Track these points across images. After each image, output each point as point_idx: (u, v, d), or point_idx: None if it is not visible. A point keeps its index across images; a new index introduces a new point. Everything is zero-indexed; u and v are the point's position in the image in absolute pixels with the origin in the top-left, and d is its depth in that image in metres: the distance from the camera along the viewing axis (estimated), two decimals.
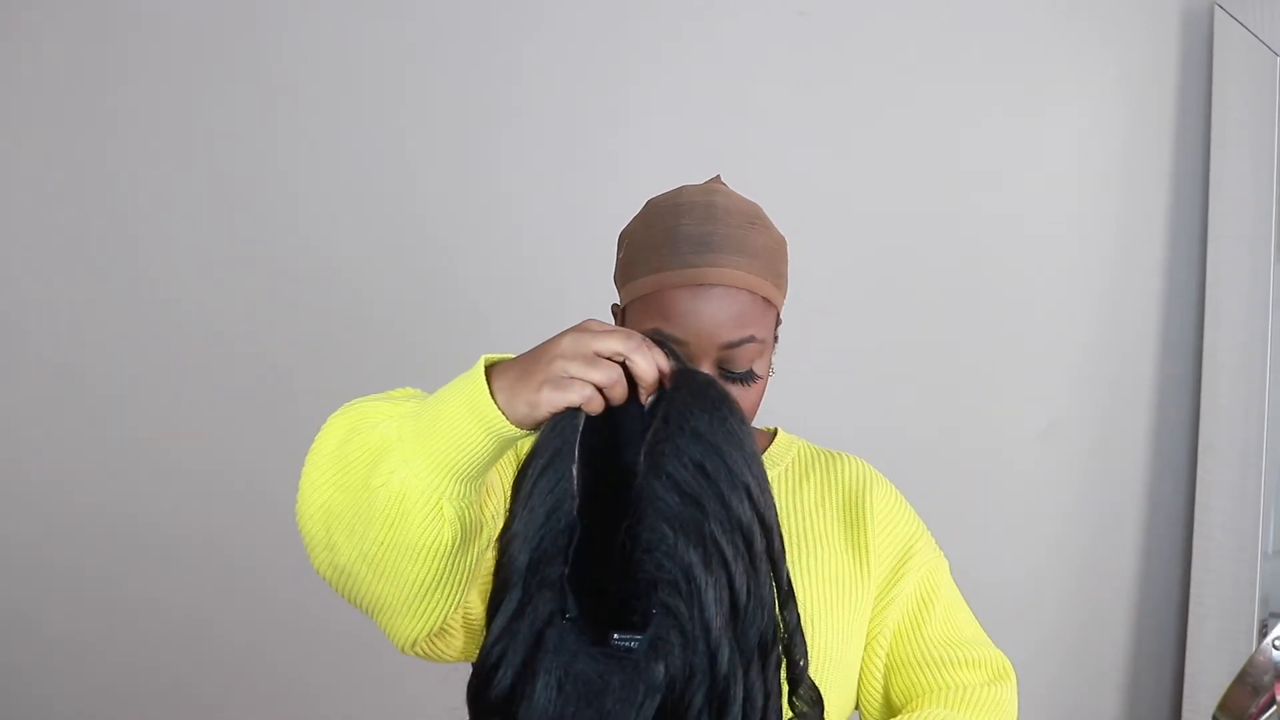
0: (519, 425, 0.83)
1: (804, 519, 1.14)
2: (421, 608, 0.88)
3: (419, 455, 0.84)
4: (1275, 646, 1.00)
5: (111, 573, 1.90)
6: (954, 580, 1.19)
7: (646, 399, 0.84)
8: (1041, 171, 2.06)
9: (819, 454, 1.20)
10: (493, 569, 0.83)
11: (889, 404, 2.00)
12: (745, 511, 0.80)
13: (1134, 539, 2.08)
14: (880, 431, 1.88)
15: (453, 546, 0.86)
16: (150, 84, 1.89)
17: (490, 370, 0.85)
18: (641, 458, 0.80)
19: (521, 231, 1.93)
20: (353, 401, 0.91)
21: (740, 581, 0.78)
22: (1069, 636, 2.08)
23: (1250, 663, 1.00)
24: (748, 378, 1.04)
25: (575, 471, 0.80)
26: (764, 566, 0.80)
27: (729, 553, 0.78)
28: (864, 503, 1.15)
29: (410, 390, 0.95)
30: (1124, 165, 2.07)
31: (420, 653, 0.95)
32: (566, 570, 0.79)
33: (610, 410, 0.84)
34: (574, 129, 1.94)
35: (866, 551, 1.13)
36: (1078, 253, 2.07)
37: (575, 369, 0.82)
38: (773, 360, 1.10)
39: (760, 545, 0.80)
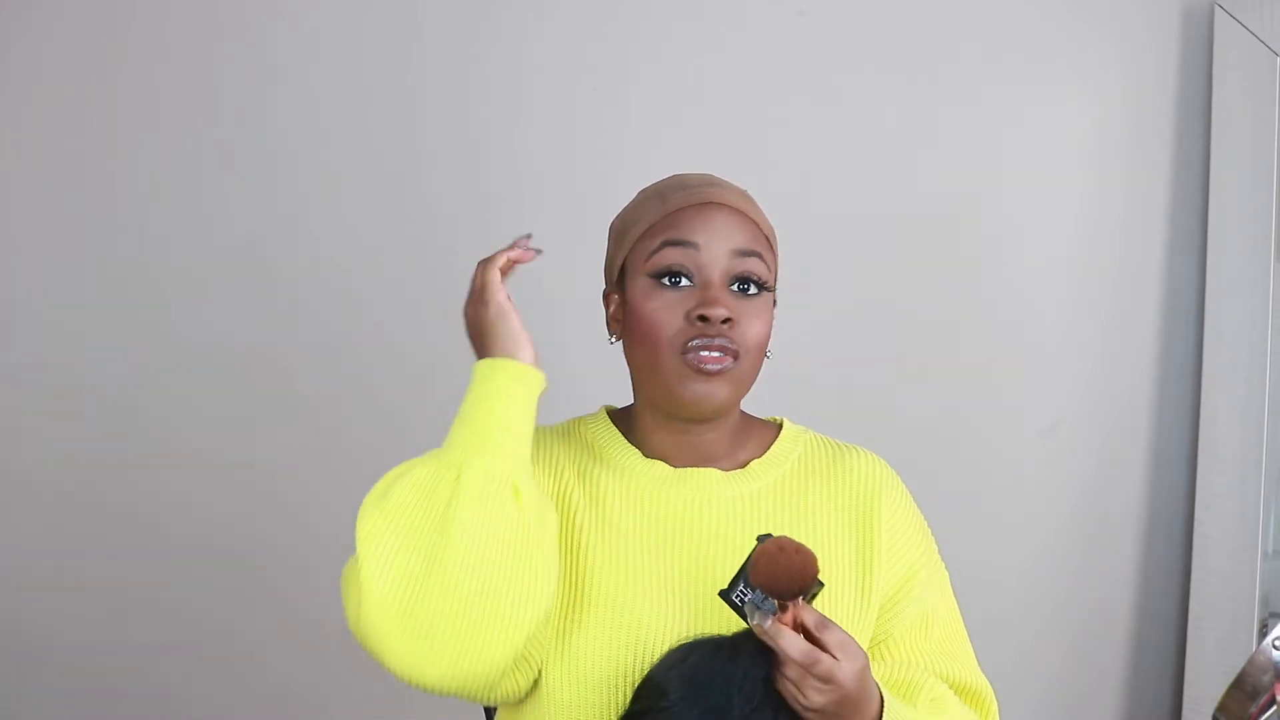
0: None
1: (810, 525, 1.09)
2: (515, 612, 0.93)
3: (473, 446, 0.96)
4: (1275, 647, 0.99)
5: (113, 576, 1.89)
6: (953, 592, 1.15)
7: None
8: (1042, 171, 2.05)
9: (826, 446, 1.15)
10: None
11: (889, 404, 2.00)
12: None
13: (1134, 539, 2.08)
14: (881, 432, 1.87)
15: (535, 518, 0.96)
16: (153, 80, 1.88)
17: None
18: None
19: (522, 231, 1.93)
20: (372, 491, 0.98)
21: None
22: (1069, 636, 2.07)
23: (1250, 663, 1.00)
24: (761, 287, 1.06)
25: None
26: None
27: None
28: (875, 508, 1.11)
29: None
30: (1124, 165, 2.07)
31: (501, 695, 1.00)
32: None
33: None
34: (572, 129, 1.94)
35: (871, 565, 1.09)
36: (1078, 253, 2.07)
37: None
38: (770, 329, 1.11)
39: None
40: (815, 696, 0.90)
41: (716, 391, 1.04)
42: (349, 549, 0.95)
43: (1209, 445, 1.98)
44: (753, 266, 1.05)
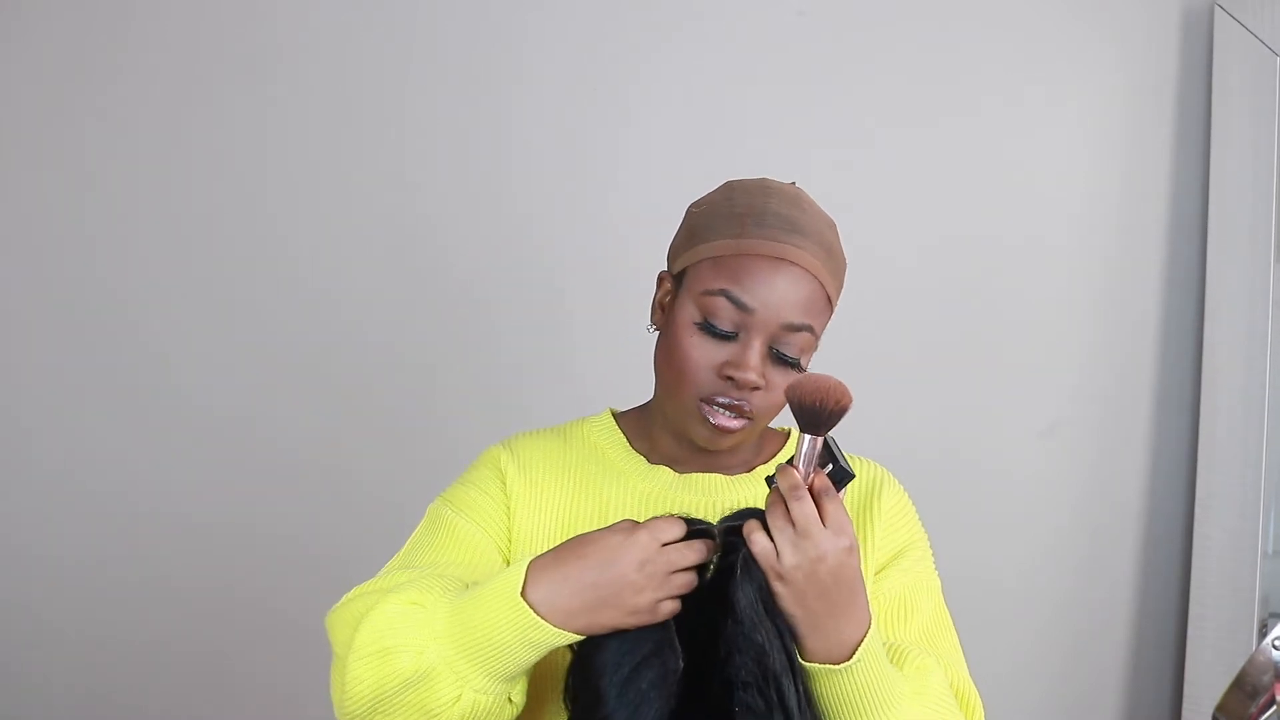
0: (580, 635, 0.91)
1: None
2: None
3: (476, 673, 0.90)
4: (1275, 647, 0.99)
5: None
6: (946, 604, 1.13)
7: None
8: (1042, 171, 2.05)
9: None
10: None
11: (890, 405, 1.99)
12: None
13: (1134, 539, 2.08)
14: (882, 432, 1.87)
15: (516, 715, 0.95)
16: (145, 82, 1.88)
17: (533, 583, 0.90)
18: (762, 612, 0.90)
19: (522, 233, 1.93)
20: (361, 611, 0.94)
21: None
22: (1069, 636, 2.08)
23: (1250, 663, 1.00)
24: (794, 365, 1.04)
25: (681, 663, 0.91)
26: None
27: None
28: (873, 506, 1.12)
29: (399, 577, 0.98)
30: (1124, 165, 2.07)
31: None
32: None
33: None
34: (573, 130, 1.94)
35: (866, 558, 1.09)
36: (1078, 253, 2.07)
37: (661, 594, 0.90)
38: None
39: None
40: (789, 553, 0.90)
41: (724, 441, 1.05)
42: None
43: (1209, 445, 1.98)
44: (797, 341, 1.03)
